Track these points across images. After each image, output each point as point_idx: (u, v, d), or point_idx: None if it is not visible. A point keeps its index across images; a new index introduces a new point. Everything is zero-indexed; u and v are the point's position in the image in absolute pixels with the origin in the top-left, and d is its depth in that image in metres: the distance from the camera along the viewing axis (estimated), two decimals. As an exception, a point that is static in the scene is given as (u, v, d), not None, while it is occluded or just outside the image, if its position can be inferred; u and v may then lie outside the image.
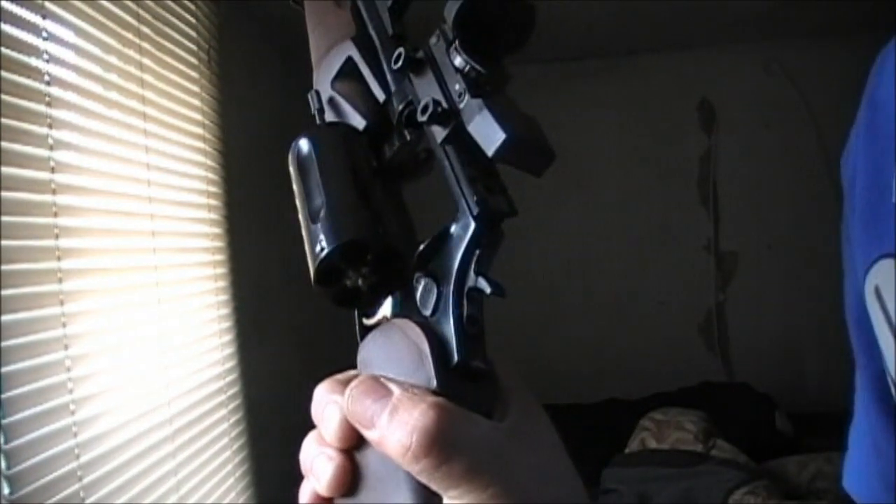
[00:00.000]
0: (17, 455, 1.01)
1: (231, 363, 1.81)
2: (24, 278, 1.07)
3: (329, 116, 0.41)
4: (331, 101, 0.42)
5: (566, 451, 0.34)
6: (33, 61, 1.12)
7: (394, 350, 0.34)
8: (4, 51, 1.04)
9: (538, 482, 0.31)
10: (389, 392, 0.31)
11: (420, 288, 0.35)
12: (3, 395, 1.00)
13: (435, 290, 0.34)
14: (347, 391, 0.32)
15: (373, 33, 0.40)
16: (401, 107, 0.37)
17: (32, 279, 1.09)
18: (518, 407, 0.33)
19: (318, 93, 0.42)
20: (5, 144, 1.03)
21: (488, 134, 0.32)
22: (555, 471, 0.32)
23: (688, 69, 2.84)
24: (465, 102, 0.33)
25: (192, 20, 1.72)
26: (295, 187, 0.39)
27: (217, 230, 1.80)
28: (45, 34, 1.14)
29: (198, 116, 1.73)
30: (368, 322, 0.38)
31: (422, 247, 0.35)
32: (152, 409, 1.40)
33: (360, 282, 0.36)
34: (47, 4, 1.15)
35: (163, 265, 1.50)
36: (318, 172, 0.37)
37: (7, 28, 1.06)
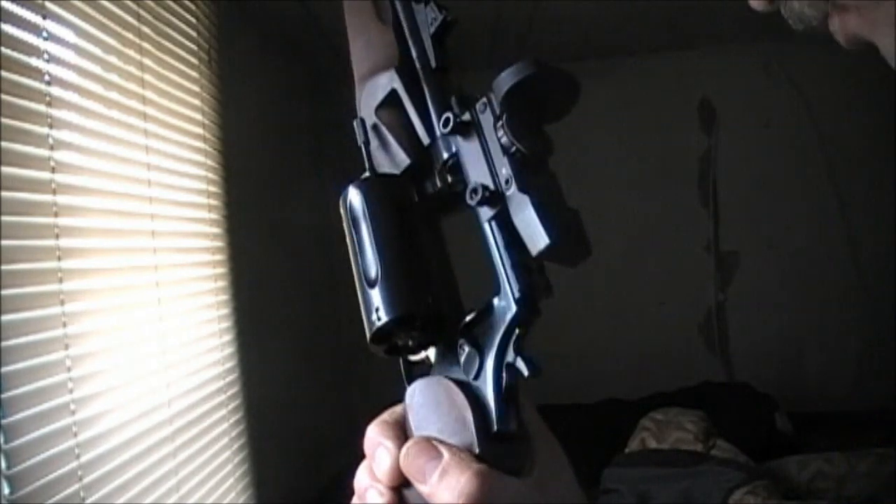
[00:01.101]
0: (17, 455, 1.01)
1: (231, 363, 1.81)
2: (24, 278, 1.07)
3: (374, 145, 0.44)
4: (374, 128, 0.44)
5: (577, 484, 0.40)
6: (34, 61, 1.12)
7: (440, 410, 0.39)
8: (4, 51, 1.04)
9: None
10: (440, 454, 0.37)
11: (464, 355, 0.39)
12: (3, 395, 1.00)
13: (477, 360, 0.38)
14: (404, 450, 0.38)
15: (416, 63, 0.42)
16: (445, 156, 0.40)
17: (32, 279, 1.09)
18: (542, 458, 0.38)
19: (363, 121, 0.44)
20: (5, 144, 1.03)
21: (533, 235, 0.35)
22: None
23: (688, 69, 2.84)
24: (512, 192, 0.36)
25: (193, 20, 1.72)
26: (347, 238, 0.42)
27: (217, 230, 1.80)
28: (45, 34, 1.14)
29: (198, 116, 1.73)
30: (413, 358, 0.42)
31: (468, 318, 0.39)
32: (152, 409, 1.40)
33: (409, 342, 0.41)
34: (48, 4, 1.15)
35: (163, 265, 1.50)
36: (372, 235, 0.40)
37: (7, 28, 1.06)
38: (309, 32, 2.30)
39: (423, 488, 0.37)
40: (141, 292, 1.42)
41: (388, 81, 0.43)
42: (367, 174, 0.43)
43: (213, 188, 1.79)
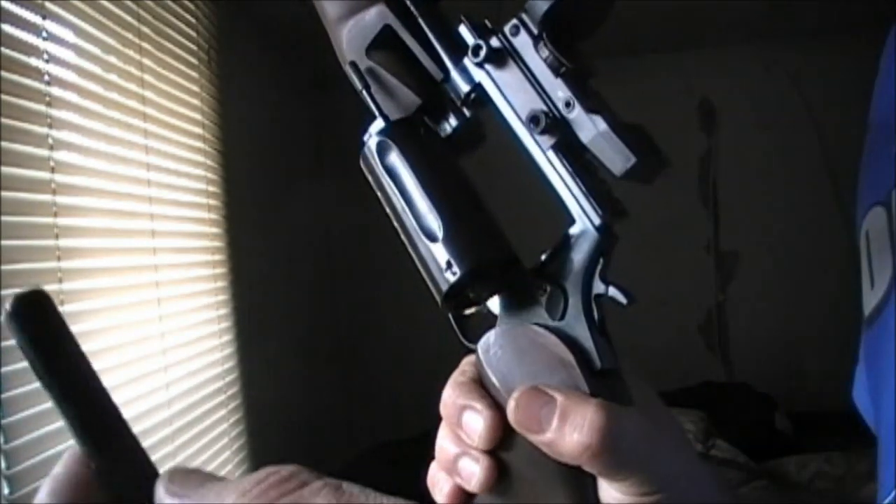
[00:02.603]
0: (17, 455, 1.01)
1: (231, 363, 1.80)
2: (24, 278, 1.07)
3: (373, 90, 0.40)
4: (370, 72, 0.40)
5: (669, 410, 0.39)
6: (33, 61, 1.12)
7: (526, 358, 0.36)
8: (4, 51, 1.04)
9: (669, 453, 0.35)
10: (553, 398, 0.34)
11: (546, 296, 0.36)
12: (3, 395, 1.00)
13: (563, 299, 0.35)
14: (512, 403, 0.34)
15: None
16: (466, 88, 0.37)
17: (32, 279, 1.09)
18: (637, 392, 0.36)
19: (355, 65, 0.40)
20: (5, 144, 1.03)
21: (615, 155, 0.33)
22: (676, 439, 0.38)
23: (688, 69, 2.84)
24: (577, 114, 0.34)
25: (192, 20, 1.72)
26: (383, 196, 0.38)
27: (217, 230, 1.80)
28: (45, 34, 1.14)
29: (198, 116, 1.73)
30: (467, 312, 0.39)
31: (543, 257, 0.36)
32: (152, 409, 1.40)
33: (483, 293, 0.38)
34: (47, 4, 1.15)
35: (163, 265, 1.50)
36: (421, 186, 0.37)
37: (7, 28, 1.06)
38: (309, 32, 2.30)
39: (543, 438, 0.34)
40: (141, 292, 1.42)
41: (379, 18, 0.39)
42: (381, 122, 0.38)
43: (213, 188, 1.79)
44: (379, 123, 0.38)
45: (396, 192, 0.37)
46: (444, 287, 0.36)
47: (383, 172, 0.38)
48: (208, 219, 1.76)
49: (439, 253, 0.36)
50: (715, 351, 2.90)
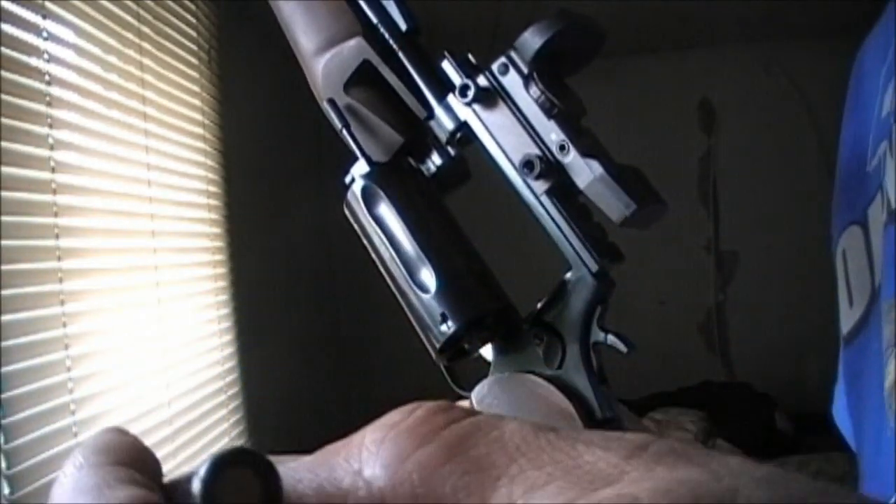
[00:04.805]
0: (17, 455, 1.01)
1: (231, 363, 1.80)
2: (24, 278, 1.07)
3: (355, 128, 0.38)
4: (349, 109, 0.39)
5: None
6: (33, 61, 1.12)
7: (524, 406, 0.34)
8: (5, 51, 1.04)
9: None
10: None
11: (543, 345, 0.35)
12: (3, 395, 1.00)
13: (560, 347, 0.34)
14: None
15: (380, 28, 0.37)
16: (451, 126, 0.36)
17: (32, 279, 1.09)
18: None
19: (333, 102, 0.38)
20: (5, 144, 1.03)
21: (614, 203, 0.32)
22: None
23: (688, 69, 2.84)
24: (572, 159, 0.33)
25: (193, 20, 1.72)
26: (370, 245, 0.37)
27: (217, 230, 1.80)
28: (45, 34, 1.14)
29: (198, 116, 1.73)
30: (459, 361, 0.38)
31: (540, 305, 0.35)
32: (152, 409, 1.40)
33: (478, 343, 0.37)
34: (47, 4, 1.15)
35: (163, 265, 1.50)
36: (412, 235, 0.35)
37: (7, 28, 1.06)
38: (309, 32, 2.30)
39: None
40: (141, 292, 1.42)
41: (357, 52, 0.37)
42: (364, 165, 0.37)
43: (213, 188, 1.79)
44: (362, 166, 0.37)
45: (385, 240, 0.36)
46: (441, 340, 0.34)
47: (370, 220, 0.36)
48: (208, 219, 1.76)
49: (433, 305, 0.34)
50: (715, 351, 2.90)
